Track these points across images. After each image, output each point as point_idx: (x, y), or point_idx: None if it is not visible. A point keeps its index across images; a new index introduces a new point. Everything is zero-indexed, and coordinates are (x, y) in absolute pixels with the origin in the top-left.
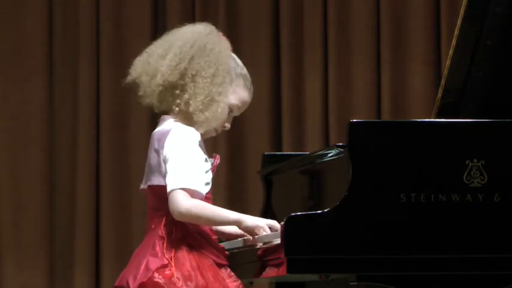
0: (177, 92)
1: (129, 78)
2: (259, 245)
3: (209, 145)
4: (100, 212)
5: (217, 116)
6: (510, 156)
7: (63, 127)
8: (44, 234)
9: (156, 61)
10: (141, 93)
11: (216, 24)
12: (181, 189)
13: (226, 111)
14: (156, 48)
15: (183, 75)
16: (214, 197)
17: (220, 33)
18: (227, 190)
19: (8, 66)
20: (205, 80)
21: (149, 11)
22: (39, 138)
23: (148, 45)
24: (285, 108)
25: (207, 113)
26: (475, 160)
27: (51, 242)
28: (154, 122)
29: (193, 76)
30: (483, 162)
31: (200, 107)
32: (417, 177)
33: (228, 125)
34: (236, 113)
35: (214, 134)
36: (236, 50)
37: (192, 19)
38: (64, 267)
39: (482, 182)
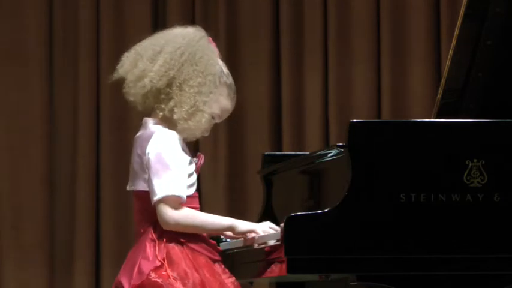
0: (162, 97)
1: (115, 75)
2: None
3: (209, 145)
4: (100, 212)
5: (201, 126)
6: (510, 156)
7: (63, 127)
8: (44, 234)
9: (145, 64)
10: (125, 90)
11: (216, 24)
12: (164, 197)
13: (210, 120)
14: (146, 49)
15: (170, 83)
16: (214, 198)
17: (210, 39)
18: (227, 190)
19: (8, 67)
20: (192, 90)
21: (149, 10)
22: (39, 138)
23: None
24: (285, 108)
25: (190, 122)
26: (475, 160)
27: (51, 242)
28: None
29: (180, 84)
30: (483, 162)
31: (185, 116)
32: (417, 177)
33: (207, 133)
34: (217, 121)
35: (193, 139)
36: (236, 50)
37: (192, 19)
38: (64, 268)
39: (482, 182)
